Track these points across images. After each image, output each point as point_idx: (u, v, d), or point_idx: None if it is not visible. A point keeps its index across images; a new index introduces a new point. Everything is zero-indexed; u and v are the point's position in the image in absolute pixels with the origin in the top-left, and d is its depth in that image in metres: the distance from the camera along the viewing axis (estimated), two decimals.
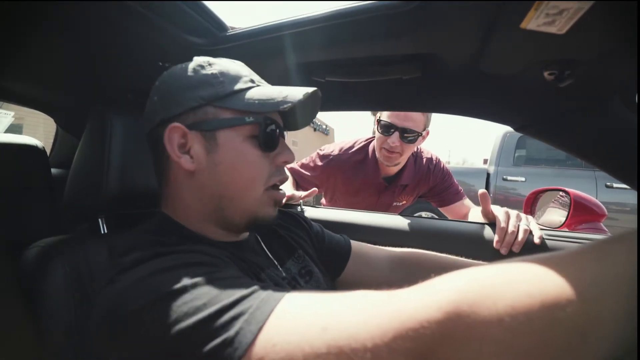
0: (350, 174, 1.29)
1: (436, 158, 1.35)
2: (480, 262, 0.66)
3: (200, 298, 0.32)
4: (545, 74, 0.56)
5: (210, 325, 0.31)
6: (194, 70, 0.47)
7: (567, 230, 1.01)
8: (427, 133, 1.21)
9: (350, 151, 1.30)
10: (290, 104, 0.45)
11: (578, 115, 0.67)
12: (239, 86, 0.47)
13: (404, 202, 1.37)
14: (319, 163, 1.31)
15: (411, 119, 1.12)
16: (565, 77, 0.54)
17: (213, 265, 0.38)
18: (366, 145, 1.31)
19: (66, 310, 0.55)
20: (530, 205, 1.32)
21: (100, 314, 0.36)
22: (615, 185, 3.31)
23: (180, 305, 0.32)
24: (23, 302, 0.55)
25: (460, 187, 1.35)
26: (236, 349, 0.30)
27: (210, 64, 0.48)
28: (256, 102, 0.46)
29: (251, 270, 0.49)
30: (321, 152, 1.34)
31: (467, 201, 1.32)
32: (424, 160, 1.32)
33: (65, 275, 0.56)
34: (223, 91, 0.46)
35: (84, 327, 0.54)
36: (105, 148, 0.62)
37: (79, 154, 0.67)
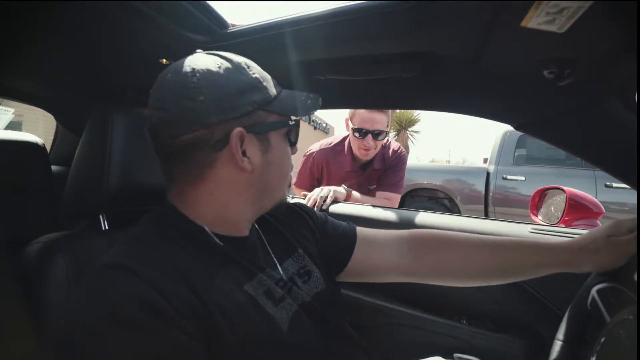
0: (334, 162, 1.56)
1: (401, 150, 1.59)
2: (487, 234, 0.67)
3: None
4: (545, 72, 0.56)
5: None
6: (239, 72, 0.48)
7: (563, 226, 1.07)
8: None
9: (330, 145, 1.60)
10: (318, 107, 0.53)
11: (577, 114, 0.67)
12: (276, 90, 0.51)
13: (374, 185, 1.58)
14: (310, 159, 1.61)
15: (378, 122, 1.38)
16: (565, 76, 0.55)
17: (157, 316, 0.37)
18: (342, 141, 1.57)
19: None
20: (537, 203, 1.44)
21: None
22: (614, 184, 3.32)
23: None
24: (24, 298, 0.55)
25: (401, 185, 1.55)
26: None
27: (248, 66, 0.49)
28: (294, 106, 0.52)
29: (248, 272, 0.49)
30: (308, 152, 1.64)
31: (392, 198, 1.51)
32: (391, 151, 1.57)
33: (67, 271, 0.56)
34: (270, 96, 0.50)
35: None
36: (107, 145, 0.62)
37: (80, 151, 0.67)
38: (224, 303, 0.43)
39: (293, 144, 0.56)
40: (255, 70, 0.50)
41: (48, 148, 1.08)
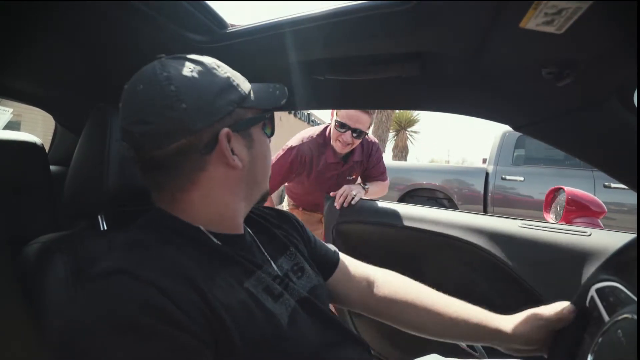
0: (317, 154, 1.60)
1: (374, 140, 1.72)
2: (458, 300, 0.72)
3: None
4: (544, 72, 0.56)
5: None
6: (212, 74, 0.48)
7: (563, 223, 1.16)
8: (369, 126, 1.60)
9: (312, 138, 1.61)
10: (286, 96, 0.55)
11: (576, 114, 0.67)
12: (246, 85, 0.53)
13: (354, 176, 1.70)
14: (291, 153, 1.58)
15: (360, 121, 1.44)
16: (564, 76, 0.55)
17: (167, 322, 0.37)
18: (323, 133, 1.61)
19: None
20: (549, 202, 1.58)
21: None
22: (613, 185, 3.33)
23: None
24: (23, 299, 0.55)
25: (384, 171, 1.73)
26: None
27: (218, 66, 0.50)
28: (267, 99, 0.54)
29: (247, 270, 0.49)
30: (287, 146, 1.61)
31: (385, 185, 1.73)
32: (369, 143, 1.69)
33: (65, 271, 0.56)
34: (244, 93, 0.51)
35: None
36: (106, 145, 0.62)
37: (78, 151, 0.67)
38: (228, 301, 0.43)
39: (270, 135, 0.58)
40: (225, 69, 0.51)
41: (47, 148, 1.08)
